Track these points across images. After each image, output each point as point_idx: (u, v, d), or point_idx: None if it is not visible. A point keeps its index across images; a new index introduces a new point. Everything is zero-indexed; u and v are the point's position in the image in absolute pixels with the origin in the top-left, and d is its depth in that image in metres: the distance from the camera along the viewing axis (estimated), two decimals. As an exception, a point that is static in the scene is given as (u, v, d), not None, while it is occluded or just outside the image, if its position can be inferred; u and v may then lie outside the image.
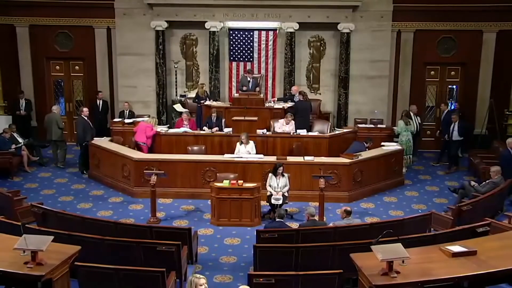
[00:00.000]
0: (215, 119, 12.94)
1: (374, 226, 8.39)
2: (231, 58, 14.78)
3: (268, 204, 10.53)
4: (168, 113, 14.81)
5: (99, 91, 15.00)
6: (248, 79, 14.10)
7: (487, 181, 10.73)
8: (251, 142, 11.74)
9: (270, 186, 10.45)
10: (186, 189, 11.49)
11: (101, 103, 14.94)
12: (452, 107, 15.06)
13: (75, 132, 14.40)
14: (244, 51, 14.70)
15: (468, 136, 13.73)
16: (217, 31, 14.31)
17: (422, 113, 14.80)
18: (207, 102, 13.80)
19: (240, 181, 10.35)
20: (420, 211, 10.81)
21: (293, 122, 12.74)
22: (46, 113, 15.17)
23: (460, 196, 10.76)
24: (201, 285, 5.19)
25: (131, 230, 8.35)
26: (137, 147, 12.45)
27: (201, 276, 5.25)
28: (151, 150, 12.48)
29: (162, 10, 14.23)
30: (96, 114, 14.59)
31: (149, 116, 13.42)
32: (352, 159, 11.38)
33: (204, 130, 12.84)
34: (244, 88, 13.95)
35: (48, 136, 13.71)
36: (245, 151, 11.60)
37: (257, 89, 13.95)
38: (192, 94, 14.80)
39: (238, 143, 11.72)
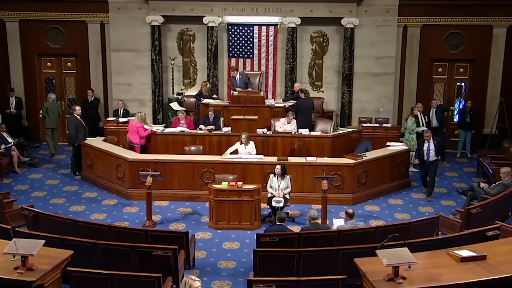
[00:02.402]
0: (212, 117, 12.95)
1: (379, 230, 8.39)
2: (230, 54, 14.77)
3: (268, 206, 10.53)
4: (164, 111, 14.81)
5: (88, 90, 14.97)
6: (235, 77, 14.04)
7: (497, 182, 10.73)
8: (251, 143, 11.74)
9: (271, 187, 10.45)
10: (183, 191, 11.50)
11: (92, 101, 14.92)
12: (461, 106, 15.07)
13: (67, 132, 14.41)
14: (243, 47, 14.69)
15: (444, 151, 13.40)
16: (216, 26, 14.31)
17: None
18: (205, 101, 13.81)
19: (240, 183, 10.36)
20: (427, 214, 10.81)
21: (294, 121, 12.75)
22: (37, 111, 15.27)
23: (469, 199, 10.75)
24: None
25: (126, 234, 8.35)
26: (130, 146, 12.48)
27: (196, 279, 5.21)
28: (144, 150, 12.51)
29: (158, 5, 14.22)
30: (87, 112, 14.59)
31: (139, 113, 12.98)
32: (356, 159, 11.39)
33: (201, 130, 12.85)
34: (238, 89, 13.85)
35: (48, 124, 14.22)
36: (246, 152, 11.60)
37: (249, 86, 13.92)
38: (190, 92, 14.83)
39: (238, 142, 11.71)
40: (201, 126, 12.92)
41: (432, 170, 11.74)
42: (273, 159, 11.46)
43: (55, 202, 11.46)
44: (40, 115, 14.54)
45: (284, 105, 13.62)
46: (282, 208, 10.17)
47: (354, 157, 11.48)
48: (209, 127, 12.77)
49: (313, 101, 13.77)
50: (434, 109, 13.80)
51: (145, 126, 12.73)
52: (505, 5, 14.24)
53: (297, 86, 14.00)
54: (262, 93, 14.09)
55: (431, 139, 11.67)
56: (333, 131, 13.24)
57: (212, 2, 14.11)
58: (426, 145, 11.64)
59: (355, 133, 13.38)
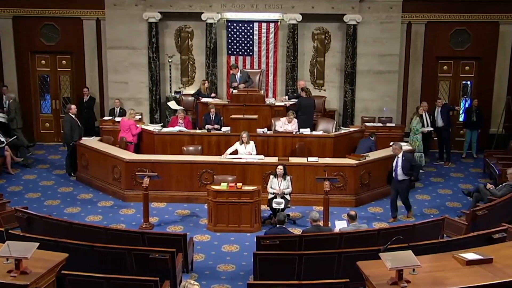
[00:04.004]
0: (213, 116, 12.95)
1: (382, 232, 8.40)
2: (229, 52, 14.78)
3: (269, 208, 10.53)
4: (162, 110, 14.82)
5: (84, 88, 14.98)
6: (236, 75, 14.08)
7: (503, 183, 10.73)
8: (252, 143, 11.73)
9: (271, 188, 10.45)
10: (181, 193, 11.50)
11: (87, 100, 14.93)
12: (467, 105, 15.07)
13: (62, 132, 14.40)
14: (243, 45, 14.70)
15: (415, 171, 10.83)
16: (214, 23, 14.31)
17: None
18: (204, 99, 13.82)
19: (239, 184, 10.36)
20: (432, 216, 10.82)
21: (295, 120, 12.76)
22: (32, 110, 15.33)
23: (474, 200, 10.76)
24: None
25: (122, 236, 8.36)
26: (126, 146, 12.55)
27: (195, 283, 5.24)
28: (137, 148, 12.63)
29: (155, 1, 14.22)
30: (82, 112, 14.60)
31: (131, 110, 13.36)
32: (359, 160, 11.39)
33: (209, 129, 12.76)
34: (234, 85, 13.92)
35: (20, 123, 14.14)
36: (246, 152, 11.59)
37: (247, 83, 13.96)
38: (188, 90, 14.85)
39: (237, 142, 11.71)
40: (208, 126, 12.85)
41: (402, 192, 10.55)
42: (274, 159, 11.46)
43: (50, 203, 11.46)
44: (5, 119, 14.10)
45: (285, 103, 13.63)
46: (282, 209, 10.18)
47: (356, 158, 11.48)
48: (216, 126, 12.77)
49: (314, 100, 13.77)
50: (439, 109, 13.80)
51: (137, 124, 12.95)
52: (512, 1, 14.26)
53: (301, 83, 13.99)
54: (262, 91, 14.09)
55: (401, 153, 10.48)
56: (335, 131, 13.25)
57: (211, -2, 14.14)
58: (395, 160, 10.52)
59: (357, 132, 13.38)
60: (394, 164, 10.55)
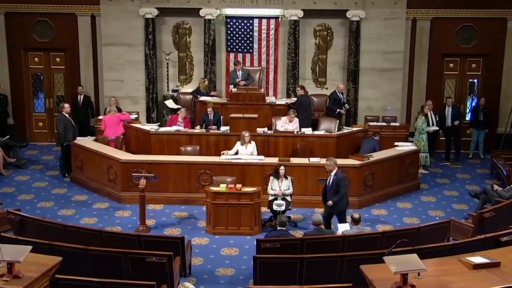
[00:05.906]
0: (212, 115, 12.95)
1: (386, 235, 8.41)
2: (229, 49, 14.79)
3: (269, 210, 10.54)
4: (159, 109, 14.82)
5: (79, 86, 14.99)
6: (238, 72, 14.10)
7: (511, 185, 10.73)
8: (253, 143, 11.73)
9: (272, 190, 10.45)
10: (179, 194, 11.51)
11: (82, 98, 14.94)
12: (474, 104, 15.07)
13: (56, 131, 14.40)
14: (242, 42, 14.70)
15: (337, 197, 9.49)
16: (213, 19, 14.32)
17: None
18: (202, 98, 13.83)
19: (239, 185, 10.37)
20: (437, 218, 10.83)
21: (296, 120, 12.76)
22: (24, 109, 15.32)
23: (481, 202, 10.75)
24: None
25: (118, 239, 8.37)
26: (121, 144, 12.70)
27: (193, 287, 5.27)
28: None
29: (152, -4, 14.26)
30: (77, 111, 14.60)
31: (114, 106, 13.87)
32: (363, 160, 11.39)
33: (211, 129, 12.76)
34: (237, 81, 13.95)
35: None
36: (247, 153, 11.58)
37: (248, 81, 13.96)
38: (186, 89, 14.85)
39: (238, 143, 11.70)
40: (198, 127, 12.87)
41: (336, 212, 9.64)
42: (274, 160, 11.46)
43: (43, 205, 11.45)
44: None
45: (286, 102, 13.61)
46: (283, 212, 10.18)
47: (360, 158, 11.48)
48: (213, 127, 12.77)
49: (311, 98, 13.83)
50: (450, 108, 13.80)
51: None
52: (519, -3, 14.27)
53: (341, 87, 13.88)
54: (262, 90, 14.10)
55: (335, 171, 9.57)
56: (337, 131, 13.24)
57: (209, -6, 14.14)
58: (329, 178, 9.68)
59: (361, 132, 13.38)
60: (328, 182, 9.66)
